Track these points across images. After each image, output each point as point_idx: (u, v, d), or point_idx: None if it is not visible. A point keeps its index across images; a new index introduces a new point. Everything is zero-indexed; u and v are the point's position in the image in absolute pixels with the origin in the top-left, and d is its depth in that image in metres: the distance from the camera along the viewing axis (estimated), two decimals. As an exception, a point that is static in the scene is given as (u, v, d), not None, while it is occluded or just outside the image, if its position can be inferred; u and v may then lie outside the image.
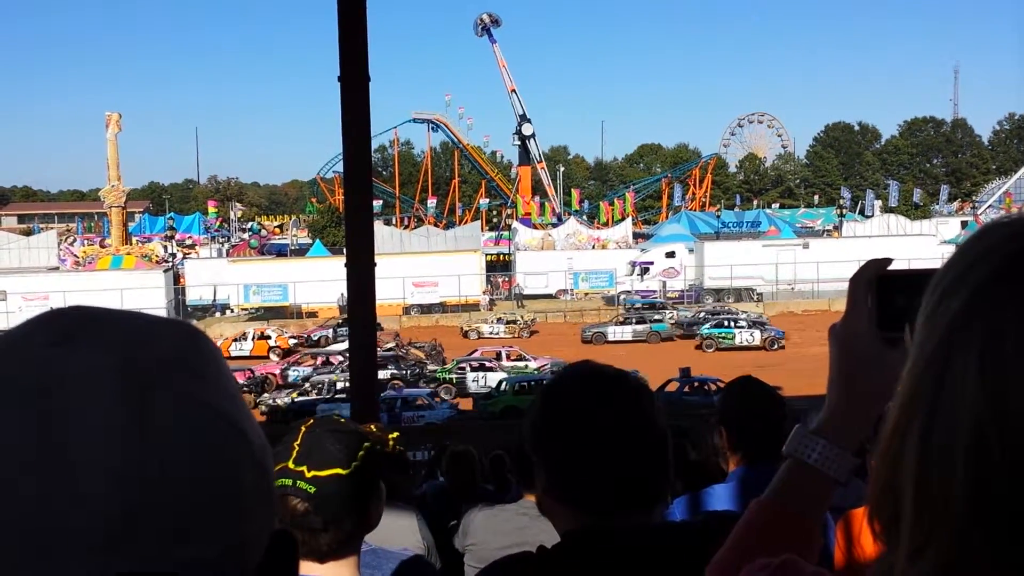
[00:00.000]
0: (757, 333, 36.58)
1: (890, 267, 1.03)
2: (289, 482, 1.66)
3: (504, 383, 26.30)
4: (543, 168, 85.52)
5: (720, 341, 36.19)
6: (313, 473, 1.66)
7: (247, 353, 36.12)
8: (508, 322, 41.69)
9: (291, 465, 1.67)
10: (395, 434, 1.83)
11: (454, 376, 28.89)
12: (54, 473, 0.54)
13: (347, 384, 28.12)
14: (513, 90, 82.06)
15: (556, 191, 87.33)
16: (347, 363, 29.65)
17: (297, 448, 1.70)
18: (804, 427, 1.09)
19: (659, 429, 1.47)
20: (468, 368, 29.16)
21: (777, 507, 1.07)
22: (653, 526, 1.47)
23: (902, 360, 0.95)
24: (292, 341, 38.10)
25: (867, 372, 1.04)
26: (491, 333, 40.58)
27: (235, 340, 38.01)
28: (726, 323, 37.70)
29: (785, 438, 2.67)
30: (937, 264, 0.65)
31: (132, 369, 0.59)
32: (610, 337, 38.51)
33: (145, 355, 0.60)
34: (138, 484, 0.55)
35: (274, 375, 29.48)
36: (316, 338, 39.53)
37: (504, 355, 30.84)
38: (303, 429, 1.74)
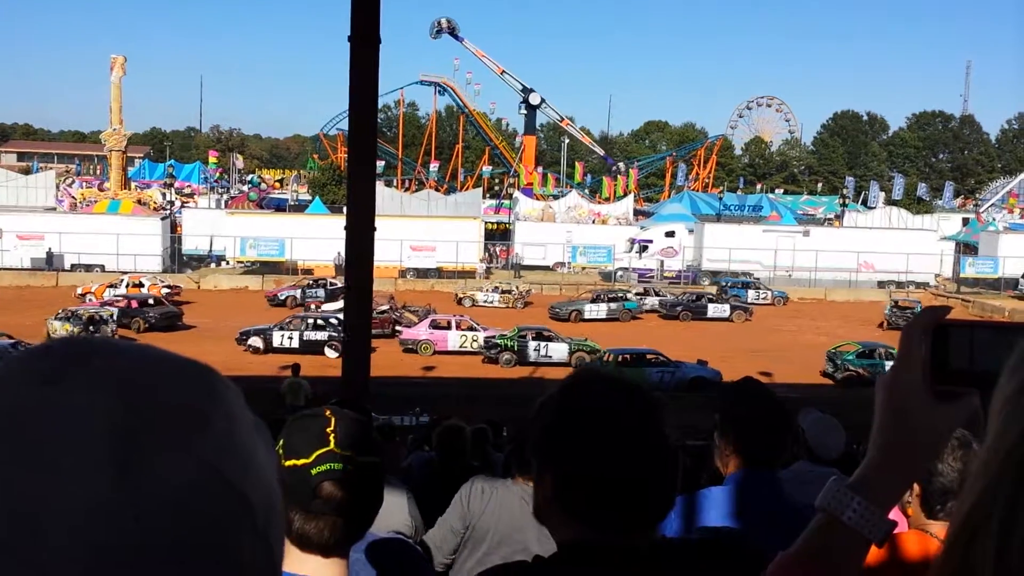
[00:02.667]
0: None
1: (949, 316, 0.96)
2: (339, 466, 1.65)
3: (607, 353, 26.33)
4: (567, 124, 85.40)
5: None
6: (362, 459, 1.67)
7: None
8: (503, 292, 41.56)
9: (336, 449, 1.66)
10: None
11: (516, 344, 28.74)
12: (23, 526, 0.49)
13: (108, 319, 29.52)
14: (502, 71, 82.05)
15: (560, 163, 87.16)
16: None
17: (334, 434, 1.68)
18: (840, 481, 1.00)
19: (671, 441, 1.41)
20: (529, 337, 29.02)
21: (804, 563, 1.00)
22: (653, 544, 1.41)
23: (953, 417, 0.96)
24: (165, 290, 37.98)
25: (914, 428, 0.97)
26: (485, 302, 40.43)
27: (110, 286, 38.02)
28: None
29: (786, 445, 2.61)
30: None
31: (125, 416, 0.53)
32: (587, 315, 37.58)
33: (144, 401, 0.54)
34: (114, 547, 0.50)
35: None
36: (283, 297, 39.22)
37: (455, 324, 30.66)
38: (331, 416, 1.71)
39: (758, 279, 46.73)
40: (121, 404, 0.54)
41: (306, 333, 28.62)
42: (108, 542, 0.50)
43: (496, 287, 42.48)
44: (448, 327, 30.53)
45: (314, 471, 1.64)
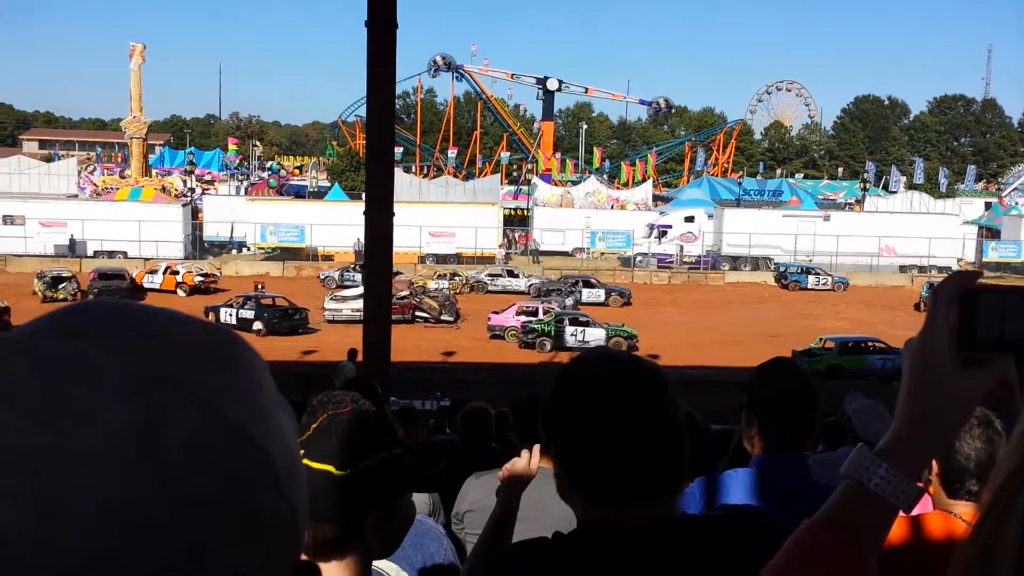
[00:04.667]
0: None
1: (979, 282, 0.94)
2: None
3: (824, 340, 26.52)
4: (593, 91, 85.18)
5: None
6: (305, 461, 1.50)
7: (157, 286, 38.19)
8: (452, 277, 41.90)
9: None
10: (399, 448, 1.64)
11: (553, 329, 28.89)
12: (47, 481, 0.49)
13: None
14: (512, 76, 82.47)
15: (579, 149, 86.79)
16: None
17: (313, 429, 1.59)
18: (866, 448, 0.99)
19: (673, 417, 1.42)
20: (566, 322, 29.23)
21: (829, 530, 0.98)
22: (671, 522, 1.43)
23: (981, 384, 0.94)
24: (198, 279, 39.07)
25: (941, 394, 0.95)
26: (436, 288, 40.44)
27: (149, 272, 39.28)
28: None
29: (814, 427, 2.60)
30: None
31: (147, 375, 0.53)
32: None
33: (166, 360, 0.55)
34: (136, 501, 0.50)
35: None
36: (323, 276, 41.43)
37: (541, 311, 30.79)
38: (330, 414, 1.61)
39: (820, 267, 46.87)
40: (147, 361, 0.54)
41: (240, 311, 31.02)
42: (133, 497, 0.50)
43: (443, 274, 42.56)
44: (535, 314, 30.71)
45: None
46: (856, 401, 4.17)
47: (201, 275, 39.57)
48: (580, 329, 28.81)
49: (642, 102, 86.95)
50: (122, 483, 0.50)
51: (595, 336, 28.35)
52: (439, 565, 2.29)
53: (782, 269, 46.50)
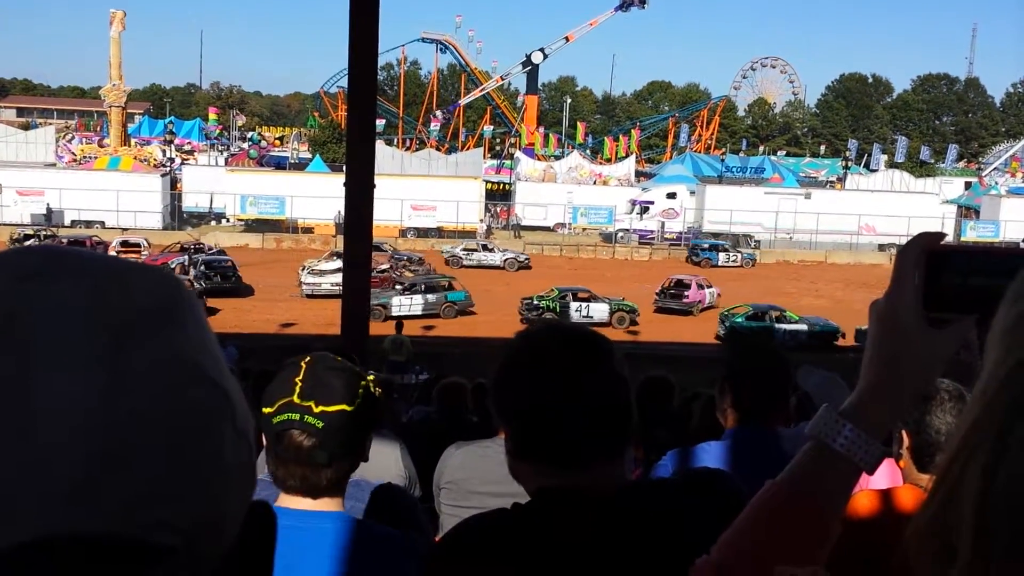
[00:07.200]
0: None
1: (943, 243, 0.93)
2: (296, 416, 1.68)
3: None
4: (572, 38, 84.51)
5: None
6: (321, 408, 1.68)
7: None
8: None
9: (296, 399, 1.68)
10: (371, 377, 1.82)
11: (557, 305, 28.68)
12: (11, 417, 0.49)
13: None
14: (501, 80, 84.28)
15: (562, 124, 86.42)
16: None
17: (300, 383, 1.70)
18: (831, 409, 0.98)
19: (614, 382, 1.44)
20: (570, 298, 29.15)
21: (793, 491, 0.98)
22: (625, 485, 1.47)
23: (945, 344, 0.94)
24: (117, 251, 38.28)
25: (906, 354, 0.94)
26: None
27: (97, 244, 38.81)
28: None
29: (787, 400, 2.62)
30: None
31: (106, 311, 0.53)
32: (395, 311, 28.36)
33: (122, 299, 0.55)
34: (104, 436, 0.50)
35: None
36: None
37: (705, 284, 33.00)
38: (304, 365, 1.74)
39: (727, 243, 46.83)
40: (101, 301, 0.54)
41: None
42: (102, 434, 0.50)
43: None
44: (704, 287, 32.83)
45: (275, 420, 1.69)
46: (813, 376, 4.20)
47: (122, 245, 38.24)
48: (584, 304, 28.82)
49: (616, 9, 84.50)
50: (87, 421, 0.50)
51: (598, 310, 28.47)
52: (412, 537, 2.30)
53: (692, 246, 46.14)
